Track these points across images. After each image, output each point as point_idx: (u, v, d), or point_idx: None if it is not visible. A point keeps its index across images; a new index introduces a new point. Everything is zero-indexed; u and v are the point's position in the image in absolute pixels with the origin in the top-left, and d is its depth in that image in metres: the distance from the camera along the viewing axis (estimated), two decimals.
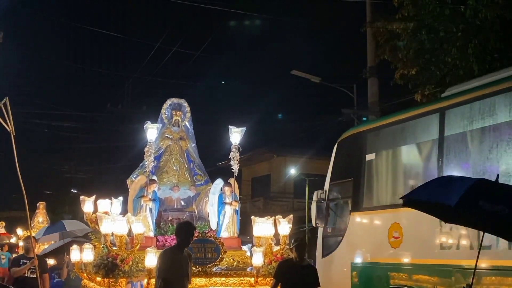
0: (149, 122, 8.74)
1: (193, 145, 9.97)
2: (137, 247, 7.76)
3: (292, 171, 25.74)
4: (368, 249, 8.22)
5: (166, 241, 8.82)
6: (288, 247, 8.55)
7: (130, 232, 8.07)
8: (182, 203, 9.70)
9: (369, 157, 8.96)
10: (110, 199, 9.33)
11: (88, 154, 28.61)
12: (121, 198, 9.55)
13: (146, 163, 8.78)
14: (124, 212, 9.05)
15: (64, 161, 28.76)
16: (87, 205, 9.31)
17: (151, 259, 7.46)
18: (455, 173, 7.30)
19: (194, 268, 7.62)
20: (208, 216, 9.57)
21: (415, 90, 12.79)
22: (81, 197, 9.45)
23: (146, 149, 8.73)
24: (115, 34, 25.95)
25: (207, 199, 9.89)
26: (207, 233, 8.40)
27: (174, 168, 9.67)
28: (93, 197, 9.37)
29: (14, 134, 6.23)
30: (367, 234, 8.39)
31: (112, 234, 7.82)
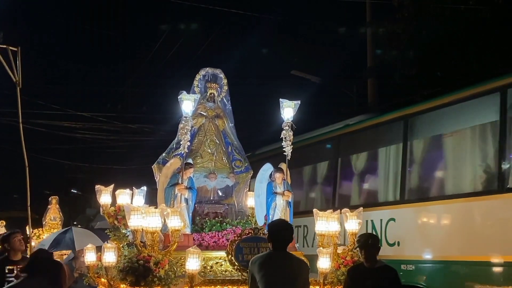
0: (184, 92, 7.02)
1: (231, 124, 8.23)
2: (174, 246, 6.13)
3: None
4: None
5: (203, 240, 7.17)
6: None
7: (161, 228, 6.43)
8: (220, 193, 8.00)
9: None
10: (131, 189, 7.75)
11: (88, 154, 27.25)
12: (144, 188, 7.92)
13: (181, 142, 7.03)
14: (149, 204, 7.45)
15: (64, 161, 27.44)
16: (104, 196, 7.73)
17: (194, 263, 5.85)
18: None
19: (245, 274, 6.06)
20: (250, 209, 7.96)
21: (415, 91, 12.84)
22: (97, 187, 7.80)
23: (181, 126, 6.98)
24: (114, 34, 24.50)
25: (247, 189, 8.27)
26: (260, 229, 6.73)
27: (210, 151, 7.90)
28: (111, 186, 7.76)
29: (20, 86, 5.14)
30: None
31: (142, 230, 6.16)
